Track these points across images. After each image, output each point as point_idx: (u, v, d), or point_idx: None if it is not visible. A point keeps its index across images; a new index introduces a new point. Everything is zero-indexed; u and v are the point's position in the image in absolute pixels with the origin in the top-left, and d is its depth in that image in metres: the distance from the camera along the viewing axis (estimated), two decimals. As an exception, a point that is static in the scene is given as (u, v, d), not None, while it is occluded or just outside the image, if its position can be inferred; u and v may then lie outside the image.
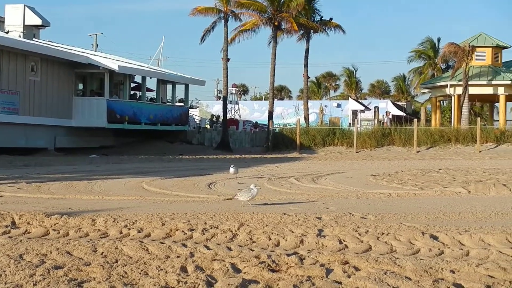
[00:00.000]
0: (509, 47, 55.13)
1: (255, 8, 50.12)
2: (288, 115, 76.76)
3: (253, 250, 9.39)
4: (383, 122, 60.42)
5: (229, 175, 23.23)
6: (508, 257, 8.96)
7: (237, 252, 9.24)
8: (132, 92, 50.35)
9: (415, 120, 45.85)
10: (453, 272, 8.19)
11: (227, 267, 8.38)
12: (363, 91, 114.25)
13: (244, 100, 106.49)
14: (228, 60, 49.56)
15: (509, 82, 50.89)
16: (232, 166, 23.33)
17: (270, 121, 49.47)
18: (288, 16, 50.08)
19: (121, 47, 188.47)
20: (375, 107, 67.82)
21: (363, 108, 70.29)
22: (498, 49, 54.09)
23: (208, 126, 60.92)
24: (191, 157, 39.19)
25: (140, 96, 50.25)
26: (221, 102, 54.46)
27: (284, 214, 12.75)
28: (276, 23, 50.58)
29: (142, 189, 19.40)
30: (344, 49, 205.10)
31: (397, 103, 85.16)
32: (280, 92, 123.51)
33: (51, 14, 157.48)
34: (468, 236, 10.17)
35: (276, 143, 46.56)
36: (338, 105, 79.59)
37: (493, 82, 51.32)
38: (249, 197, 13.78)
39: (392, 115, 67.15)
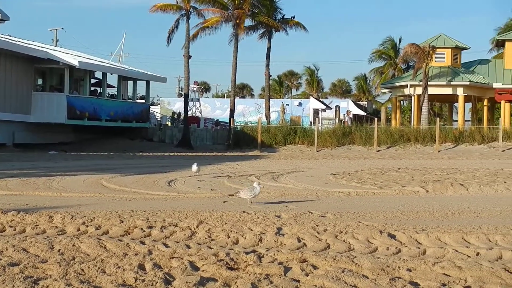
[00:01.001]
0: (469, 48, 55.81)
1: (217, 5, 50.03)
2: (249, 113, 76.78)
3: (211, 248, 9.38)
4: (344, 121, 60.75)
5: (190, 173, 23.17)
6: (463, 256, 9.07)
7: (196, 250, 9.22)
8: (92, 88, 49.96)
9: (376, 119, 46.16)
10: (410, 271, 8.27)
11: (185, 265, 8.36)
12: (325, 90, 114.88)
13: (206, 97, 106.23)
14: (189, 57, 49.41)
15: (468, 83, 51.49)
16: (195, 163, 23.14)
17: (231, 119, 49.45)
18: (243, 13, 50.01)
19: (82, 43, 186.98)
20: (336, 106, 68.19)
21: (324, 107, 70.62)
22: (457, 50, 54.71)
23: (169, 124, 60.65)
24: (151, 154, 39.03)
25: (100, 92, 49.89)
26: (183, 99, 54.26)
27: (244, 212, 12.77)
28: (237, 21, 50.54)
29: (101, 186, 19.27)
30: (306, 48, 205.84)
31: (358, 102, 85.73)
32: (242, 90, 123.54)
33: (10, 8, 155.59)
34: (425, 235, 10.28)
35: (237, 141, 46.56)
36: (300, 104, 79.82)
37: (452, 83, 51.86)
38: (252, 195, 13.71)
39: (353, 114, 67.61)
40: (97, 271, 8.04)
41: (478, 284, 7.85)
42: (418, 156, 38.90)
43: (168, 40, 50.12)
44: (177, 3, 48.53)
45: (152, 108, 65.23)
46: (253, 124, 53.27)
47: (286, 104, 72.12)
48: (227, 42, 53.36)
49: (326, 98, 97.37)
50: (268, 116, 56.40)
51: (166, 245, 9.52)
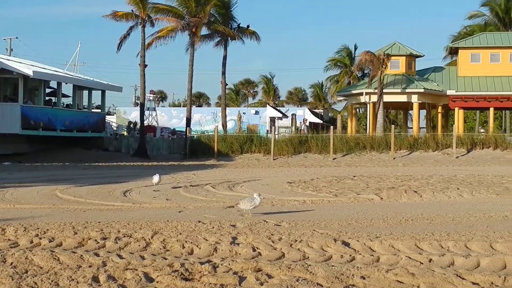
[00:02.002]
0: (423, 56, 56.54)
1: (173, 14, 49.94)
2: (206, 122, 76.66)
3: (166, 259, 9.35)
4: (300, 129, 60.97)
5: (146, 183, 23.09)
6: (416, 263, 9.17)
7: (150, 261, 9.19)
8: (47, 98, 49.40)
9: (332, 127, 46.40)
10: (364, 278, 8.34)
11: (140, 276, 8.33)
12: (281, 98, 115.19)
13: (162, 106, 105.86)
14: (145, 66, 49.18)
15: (422, 90, 52.10)
16: (156, 174, 22.75)
17: (188, 128, 49.32)
18: (198, 21, 50.02)
19: (36, 52, 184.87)
20: (292, 114, 68.37)
21: (280, 115, 70.75)
22: (411, 57, 55.33)
23: (125, 133, 60.26)
24: (107, 164, 38.75)
25: (55, 102, 49.37)
26: (139, 108, 53.97)
27: (199, 222, 12.75)
28: (193, 30, 50.51)
29: (56, 197, 19.10)
30: (263, 56, 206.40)
31: (315, 110, 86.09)
32: (199, 99, 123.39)
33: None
34: (378, 242, 10.36)
35: (193, 150, 46.40)
36: (256, 112, 79.95)
37: (407, 90, 52.42)
38: (252, 206, 13.62)
39: (310, 122, 67.84)
40: (50, 284, 7.97)
41: (431, 291, 7.96)
42: (374, 163, 39.20)
43: (119, 47, 49.72)
44: (133, 11, 48.28)
45: (108, 118, 64.73)
46: (209, 133, 53.19)
47: (243, 113, 72.31)
48: (183, 51, 53.42)
49: (283, 106, 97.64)
50: (224, 125, 56.42)
51: (120, 257, 9.46)
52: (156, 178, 22.23)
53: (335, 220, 13.29)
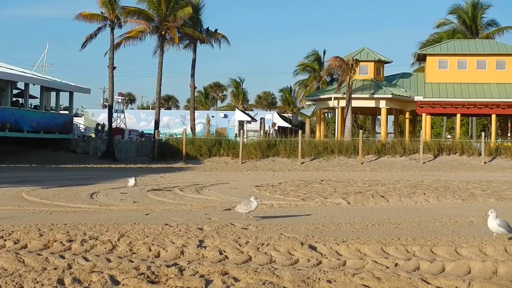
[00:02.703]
0: (391, 62, 56.82)
1: (142, 16, 49.75)
2: (175, 125, 76.49)
3: (132, 262, 9.32)
4: (269, 133, 61.05)
5: (113, 185, 22.97)
6: (382, 267, 9.23)
7: (116, 264, 9.14)
8: (14, 99, 48.96)
9: (300, 131, 46.52)
10: (330, 282, 8.38)
11: (105, 279, 8.29)
12: (250, 102, 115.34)
13: (131, 109, 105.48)
14: (114, 68, 48.93)
15: (390, 96, 52.40)
16: (132, 177, 22.16)
17: (156, 130, 49.17)
18: (171, 26, 49.97)
19: (3, 53, 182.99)
20: (261, 118, 68.44)
21: (249, 119, 70.78)
22: (380, 63, 55.65)
23: (93, 135, 59.90)
24: (74, 166, 38.49)
25: (22, 103, 48.95)
26: (107, 110, 53.69)
27: (166, 225, 12.71)
28: (162, 32, 50.40)
29: (22, 199, 18.92)
30: (233, 60, 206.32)
31: (283, 114, 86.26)
32: (168, 102, 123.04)
33: None
34: (345, 247, 10.41)
35: (162, 153, 46.27)
36: (225, 116, 79.93)
37: (375, 96, 52.67)
38: (248, 209, 13.52)
39: (278, 126, 68.01)
40: (14, 286, 7.91)
41: (396, 295, 8.02)
42: (342, 168, 39.36)
43: (83, 45, 49.28)
44: (102, 13, 48.01)
45: (76, 119, 64.31)
46: (178, 136, 53.07)
47: (212, 116, 72.15)
48: (152, 53, 53.24)
49: (252, 110, 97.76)
50: (193, 128, 56.36)
51: (86, 259, 9.41)
52: (132, 181, 21.66)
53: (302, 224, 13.32)
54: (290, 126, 72.33)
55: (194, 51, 56.42)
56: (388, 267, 9.24)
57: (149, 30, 49.86)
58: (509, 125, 61.94)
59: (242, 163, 43.09)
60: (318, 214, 15.53)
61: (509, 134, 61.94)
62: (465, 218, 14.85)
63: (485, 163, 42.22)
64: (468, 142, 47.24)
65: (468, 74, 54.73)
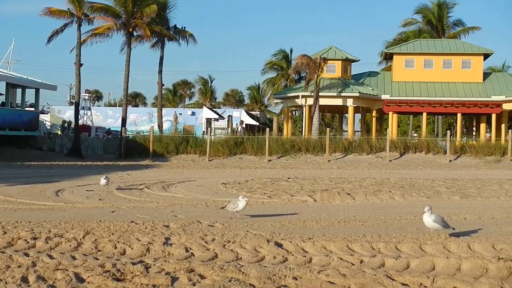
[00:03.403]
0: (358, 61, 57.13)
1: (110, 13, 49.46)
2: (142, 122, 76.30)
3: (98, 259, 9.27)
4: (236, 131, 61.04)
5: (78, 182, 22.80)
6: (348, 264, 9.28)
7: (82, 261, 9.09)
8: (-21, 96, 48.46)
9: (267, 129, 46.58)
10: (296, 279, 8.40)
11: (70, 277, 8.24)
12: (218, 99, 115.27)
13: (98, 106, 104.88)
14: (81, 65, 48.55)
15: (357, 94, 52.67)
16: (104, 176, 21.14)
17: (123, 128, 48.92)
18: (142, 22, 49.79)
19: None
20: (229, 116, 68.42)
21: (217, 116, 70.74)
22: (347, 62, 55.93)
23: (59, 132, 59.41)
24: (40, 163, 38.14)
25: (-13, 100, 48.43)
26: (74, 107, 53.28)
27: (132, 222, 12.66)
28: (130, 29, 50.16)
29: (-14, 196, 18.71)
30: (201, 58, 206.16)
31: (251, 112, 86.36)
32: (135, 99, 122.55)
33: None
34: (311, 244, 10.45)
35: (129, 150, 46.03)
36: (193, 113, 79.88)
37: (342, 94, 52.92)
38: (235, 208, 13.39)
39: (246, 124, 68.02)
40: (-23, 284, 7.83)
41: (361, 291, 8.06)
42: (309, 165, 39.46)
43: (49, 40, 48.90)
44: (69, 9, 47.62)
45: (42, 117, 63.72)
46: (145, 133, 52.88)
47: (179, 113, 72.12)
48: (120, 50, 53.00)
49: (219, 107, 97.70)
50: (160, 125, 56.19)
51: (51, 257, 9.34)
52: (103, 180, 20.64)
53: (268, 221, 13.34)
54: (257, 124, 72.44)
55: (162, 48, 56.34)
56: (354, 264, 9.29)
57: (116, 27, 49.61)
58: (474, 124, 62.57)
59: (209, 160, 43.04)
60: (285, 212, 15.57)
61: (474, 133, 62.57)
62: (430, 216, 14.96)
63: (450, 161, 42.61)
64: (434, 141, 47.67)
65: (434, 73, 55.28)
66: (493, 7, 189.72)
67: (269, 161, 42.74)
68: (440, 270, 9.10)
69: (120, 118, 54.53)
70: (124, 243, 10.31)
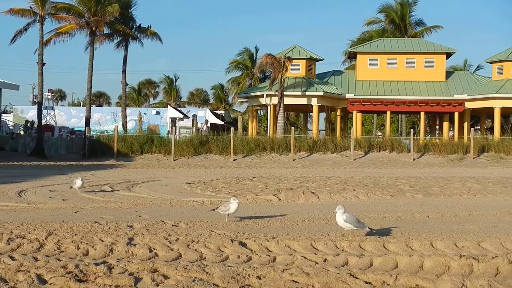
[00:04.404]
0: (322, 60, 57.30)
1: (73, 12, 49.09)
2: (106, 122, 75.86)
3: (60, 260, 9.19)
4: (201, 130, 60.96)
5: (42, 183, 22.58)
6: (312, 262, 9.31)
7: (44, 262, 9.01)
8: None
9: (232, 128, 46.53)
10: (260, 278, 8.41)
11: (32, 278, 8.16)
12: (183, 99, 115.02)
13: (61, 106, 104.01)
14: (43, 64, 48.14)
15: (321, 93, 52.87)
16: (79, 178, 19.88)
17: (87, 127, 48.58)
18: (102, 22, 49.46)
19: None
20: (193, 115, 68.32)
21: (182, 116, 70.57)
22: (311, 61, 56.12)
23: (22, 132, 58.88)
24: (2, 163, 37.69)
25: None
26: (37, 107, 52.83)
27: (95, 222, 12.58)
28: (93, 28, 49.81)
29: None
30: (165, 57, 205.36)
31: (216, 111, 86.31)
32: (99, 99, 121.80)
33: None
34: (275, 243, 10.47)
35: (93, 150, 45.68)
36: (157, 113, 79.59)
37: (307, 93, 53.09)
38: (226, 210, 13.07)
39: (211, 123, 67.97)
40: None
41: (325, 290, 8.10)
42: (274, 164, 39.51)
43: (12, 40, 48.53)
44: (31, 8, 47.19)
45: (4, 116, 63.17)
46: (109, 133, 52.55)
47: (144, 113, 71.87)
48: (84, 50, 52.61)
49: (184, 107, 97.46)
50: (125, 125, 55.92)
51: (12, 258, 9.24)
52: (79, 182, 19.39)
53: (233, 221, 13.33)
54: (222, 123, 72.41)
55: (126, 47, 56.08)
56: (317, 263, 9.33)
57: (80, 26, 49.25)
58: (438, 122, 63.14)
59: (174, 160, 42.90)
60: (249, 211, 15.57)
61: (437, 131, 63.15)
62: (393, 214, 15.09)
63: (414, 159, 42.94)
64: (397, 139, 47.95)
65: (398, 72, 55.74)
66: (455, 5, 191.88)
67: (234, 160, 42.73)
68: (403, 268, 9.17)
69: (84, 118, 54.14)
70: (87, 243, 10.24)
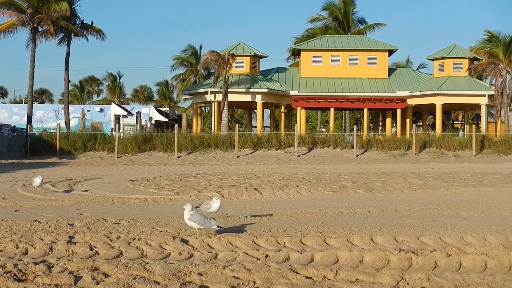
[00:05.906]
0: (266, 57, 57.44)
1: (13, 7, 48.34)
2: (48, 119, 74.87)
3: (-1, 260, 9.06)
4: (145, 128, 60.59)
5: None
6: (253, 258, 9.35)
7: (-19, 263, 8.87)
8: None
9: (176, 125, 46.37)
10: (201, 275, 8.42)
11: (-31, 278, 8.03)
12: (127, 96, 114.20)
13: (3, 103, 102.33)
14: (-17, 61, 47.45)
15: (266, 90, 53.01)
16: (38, 176, 18.87)
17: (29, 125, 47.89)
18: (46, 18, 48.81)
19: None
20: (137, 112, 67.86)
21: (125, 113, 70.08)
22: (255, 58, 56.19)
23: (-39, 130, 57.79)
24: None
25: None
26: (-23, 105, 51.99)
27: (35, 221, 12.42)
28: (35, 25, 49.11)
29: None
30: (109, 54, 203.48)
31: (160, 108, 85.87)
32: (42, 96, 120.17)
33: None
34: (217, 239, 10.49)
35: (35, 148, 45.06)
36: (101, 110, 78.84)
37: (251, 90, 53.15)
38: (208, 209, 12.76)
39: (155, 120, 67.62)
40: None
41: (266, 285, 8.14)
42: (218, 161, 39.50)
43: None
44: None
45: None
46: (52, 131, 51.86)
47: (87, 110, 71.02)
48: (25, 46, 51.85)
49: (128, 104, 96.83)
50: (67, 122, 55.29)
51: (-52, 258, 9.08)
52: (38, 180, 18.43)
53: (175, 218, 13.30)
54: (167, 120, 72.05)
55: (68, 44, 55.39)
56: (259, 259, 9.38)
57: (21, 22, 48.51)
58: (381, 118, 63.86)
59: (118, 157, 42.58)
60: (163, 207, 15.57)
61: (380, 128, 63.88)
62: (335, 209, 15.22)
63: (357, 155, 43.37)
64: (341, 136, 48.39)
65: (341, 69, 56.20)
66: (397, 3, 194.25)
67: (178, 157, 42.59)
68: (343, 263, 9.28)
69: (26, 115, 53.38)
70: (26, 242, 10.12)
